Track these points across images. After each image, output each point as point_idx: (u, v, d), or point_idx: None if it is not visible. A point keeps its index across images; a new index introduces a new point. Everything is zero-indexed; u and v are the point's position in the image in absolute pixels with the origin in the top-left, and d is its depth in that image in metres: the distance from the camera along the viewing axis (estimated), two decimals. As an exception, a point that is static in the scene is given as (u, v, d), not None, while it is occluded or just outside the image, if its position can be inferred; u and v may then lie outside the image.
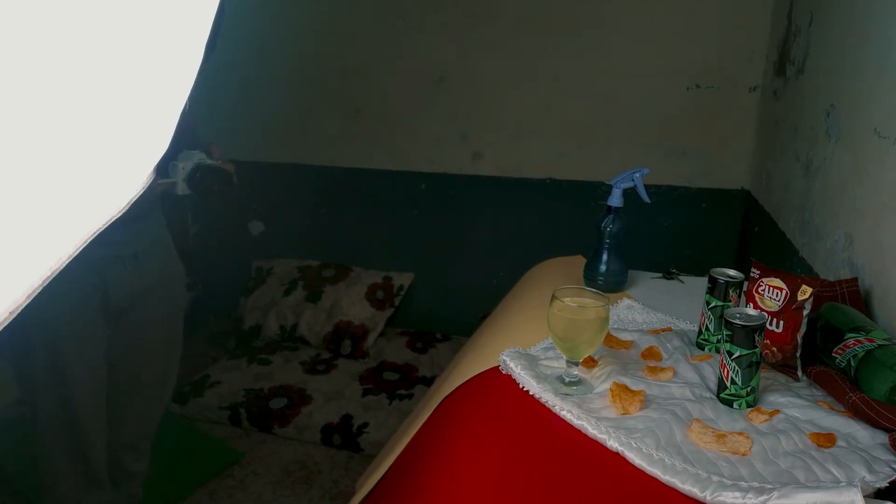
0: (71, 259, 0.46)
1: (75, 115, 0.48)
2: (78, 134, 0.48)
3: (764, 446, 0.80)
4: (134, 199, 0.50)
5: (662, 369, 0.99)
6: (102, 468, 1.50)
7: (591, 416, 0.86)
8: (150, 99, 0.53)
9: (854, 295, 1.16)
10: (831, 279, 1.29)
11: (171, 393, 1.68)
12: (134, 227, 1.42)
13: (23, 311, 0.44)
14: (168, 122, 0.52)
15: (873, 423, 0.83)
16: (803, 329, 0.98)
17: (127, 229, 1.38)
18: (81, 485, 1.48)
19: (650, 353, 1.05)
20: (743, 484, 0.72)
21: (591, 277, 1.35)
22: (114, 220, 0.48)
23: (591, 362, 1.00)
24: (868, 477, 0.72)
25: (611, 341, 1.07)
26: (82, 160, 0.48)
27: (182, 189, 1.41)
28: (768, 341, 0.99)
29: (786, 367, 1.00)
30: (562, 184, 2.73)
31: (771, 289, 0.99)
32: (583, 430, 0.84)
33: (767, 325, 0.97)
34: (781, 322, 0.98)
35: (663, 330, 1.14)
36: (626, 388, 0.90)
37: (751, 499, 0.69)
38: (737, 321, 0.88)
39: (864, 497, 0.66)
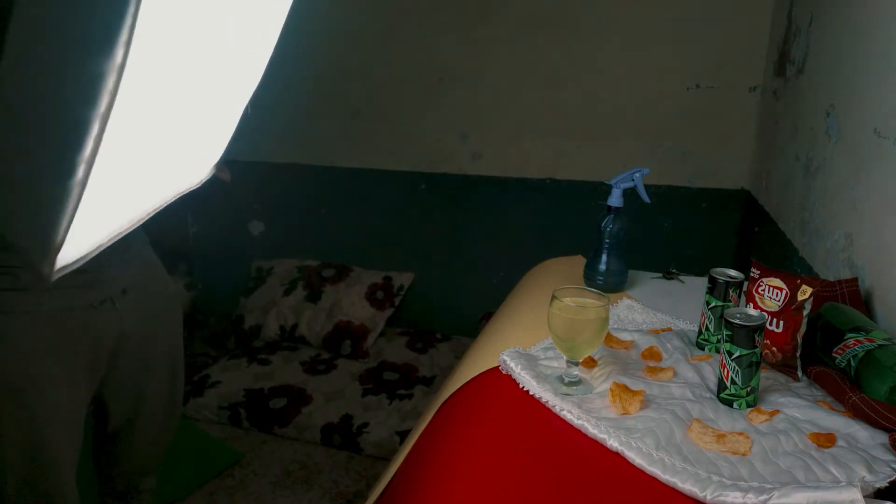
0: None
1: (172, 114, 0.63)
2: (170, 125, 0.64)
3: (764, 446, 0.80)
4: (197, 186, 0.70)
5: (662, 369, 0.99)
6: None
7: (591, 416, 0.86)
8: (225, 98, 0.67)
9: (854, 295, 1.16)
10: (831, 279, 1.29)
11: (178, 418, 1.57)
12: (119, 260, 1.24)
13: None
14: (232, 121, 0.66)
15: (873, 423, 0.83)
16: (803, 329, 0.98)
17: (113, 267, 1.22)
18: None
19: (650, 353, 1.05)
20: (743, 484, 0.72)
21: (591, 277, 1.35)
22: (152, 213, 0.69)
23: (591, 362, 1.00)
24: (868, 477, 0.72)
25: (611, 341, 1.07)
26: (170, 147, 0.66)
27: None
28: (768, 341, 0.99)
29: (786, 367, 1.00)
30: (562, 184, 2.73)
31: (771, 289, 0.99)
32: (583, 430, 0.84)
33: (767, 325, 0.97)
34: (781, 322, 0.98)
35: (663, 330, 1.14)
36: (626, 388, 0.90)
37: (751, 499, 0.69)
38: (737, 321, 0.88)
39: (864, 497, 0.66)
